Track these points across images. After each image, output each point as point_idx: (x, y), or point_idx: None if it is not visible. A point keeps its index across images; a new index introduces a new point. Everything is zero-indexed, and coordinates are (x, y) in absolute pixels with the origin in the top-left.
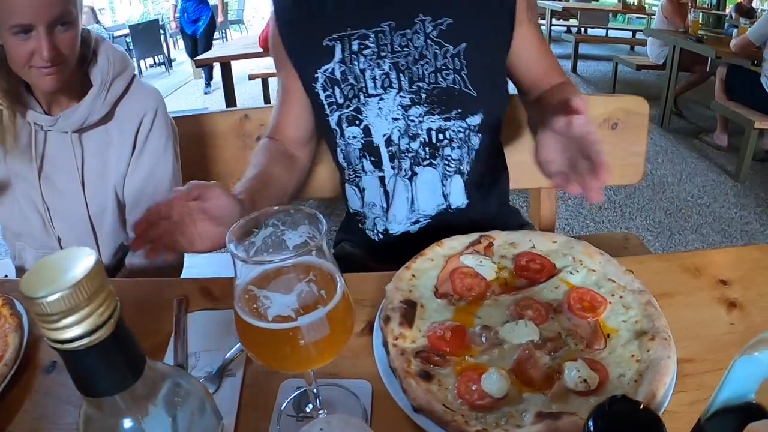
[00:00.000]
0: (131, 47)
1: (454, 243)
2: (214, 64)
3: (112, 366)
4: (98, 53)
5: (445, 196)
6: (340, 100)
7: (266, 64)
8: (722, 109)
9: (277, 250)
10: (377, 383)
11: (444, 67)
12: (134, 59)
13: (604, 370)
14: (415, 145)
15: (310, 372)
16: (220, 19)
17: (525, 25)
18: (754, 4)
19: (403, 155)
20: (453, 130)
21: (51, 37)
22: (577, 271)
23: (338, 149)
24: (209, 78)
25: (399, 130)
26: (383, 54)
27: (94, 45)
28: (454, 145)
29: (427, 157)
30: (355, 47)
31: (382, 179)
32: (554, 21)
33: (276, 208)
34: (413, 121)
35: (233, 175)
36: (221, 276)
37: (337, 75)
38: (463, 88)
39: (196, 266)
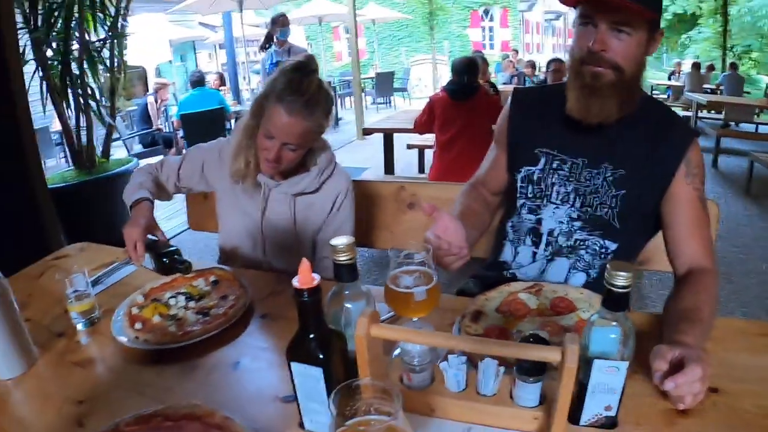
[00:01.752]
0: None
1: (517, 285)
2: None
3: (349, 272)
4: (320, 154)
5: (566, 281)
6: (530, 195)
7: (423, 138)
8: None
9: (409, 260)
10: None
11: (604, 203)
12: None
13: None
14: (565, 243)
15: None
16: None
17: (681, 188)
18: None
19: (555, 246)
20: (592, 242)
21: (280, 149)
22: (589, 311)
23: (512, 219)
24: None
25: (561, 230)
26: (571, 179)
27: (321, 147)
28: (589, 251)
29: (566, 251)
30: (554, 165)
31: (534, 254)
32: (702, 113)
33: (413, 243)
34: (571, 228)
35: (389, 228)
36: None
37: (535, 178)
38: (611, 221)
39: None
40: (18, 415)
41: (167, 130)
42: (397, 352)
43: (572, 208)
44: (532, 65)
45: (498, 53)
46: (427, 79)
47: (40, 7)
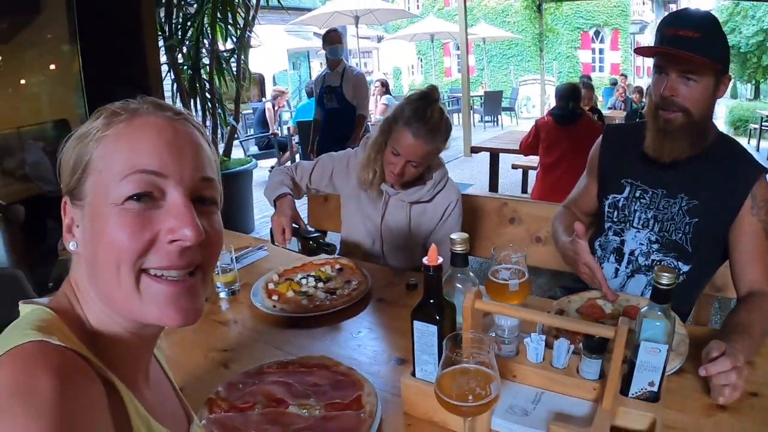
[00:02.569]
0: None
1: (597, 293)
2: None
3: (462, 260)
4: (436, 170)
5: (641, 295)
6: (615, 219)
7: (528, 159)
8: None
9: (507, 259)
10: None
11: (679, 229)
12: None
13: None
14: (644, 262)
15: None
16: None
17: (746, 219)
18: None
19: (635, 264)
20: (667, 262)
21: (404, 165)
22: None
23: (599, 239)
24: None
25: (641, 251)
26: (651, 207)
27: (437, 165)
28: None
29: (644, 269)
30: (637, 194)
31: (616, 270)
32: None
33: (512, 246)
34: (650, 250)
35: (490, 239)
36: None
37: (620, 204)
38: (684, 244)
39: None
40: (169, 356)
41: (282, 135)
42: (492, 333)
43: (651, 232)
44: (639, 91)
45: (607, 76)
46: (535, 99)
47: (174, 17)
